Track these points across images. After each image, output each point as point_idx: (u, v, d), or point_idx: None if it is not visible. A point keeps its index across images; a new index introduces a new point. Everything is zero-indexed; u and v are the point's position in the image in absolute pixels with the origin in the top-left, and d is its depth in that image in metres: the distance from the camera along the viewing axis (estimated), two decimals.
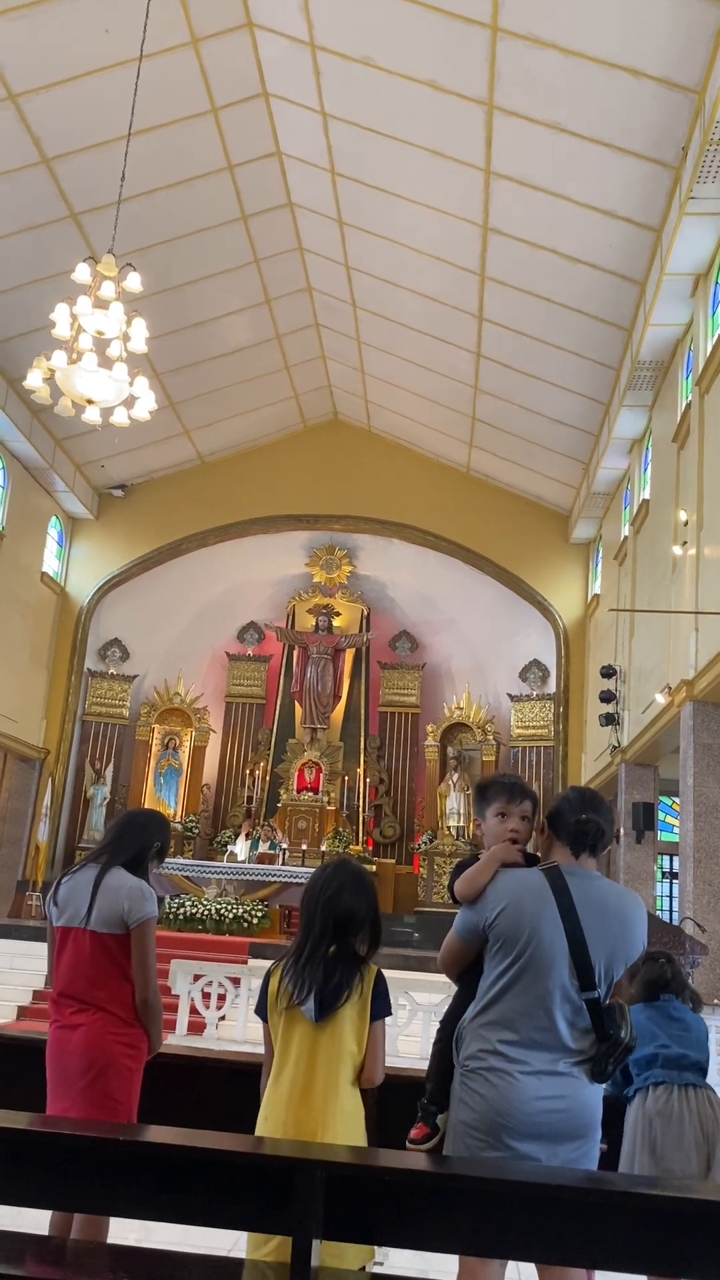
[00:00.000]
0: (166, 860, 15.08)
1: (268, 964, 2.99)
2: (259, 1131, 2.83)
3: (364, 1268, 2.80)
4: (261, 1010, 2.97)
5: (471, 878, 2.83)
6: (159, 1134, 2.60)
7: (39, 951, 12.09)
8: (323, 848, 16.83)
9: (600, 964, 2.70)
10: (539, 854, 2.97)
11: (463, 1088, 2.72)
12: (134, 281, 8.50)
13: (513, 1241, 2.38)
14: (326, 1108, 2.78)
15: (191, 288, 14.02)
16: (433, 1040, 3.01)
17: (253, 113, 11.76)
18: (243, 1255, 2.73)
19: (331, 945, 2.91)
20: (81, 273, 8.44)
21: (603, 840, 2.85)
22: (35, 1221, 3.37)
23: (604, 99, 9.44)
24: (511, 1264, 3.02)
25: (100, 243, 11.10)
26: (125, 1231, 3.57)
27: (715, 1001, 9.62)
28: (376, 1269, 3.03)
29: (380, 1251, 3.33)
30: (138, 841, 3.63)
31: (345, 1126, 2.78)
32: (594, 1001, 2.69)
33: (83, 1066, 3.37)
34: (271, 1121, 2.82)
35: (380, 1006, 2.91)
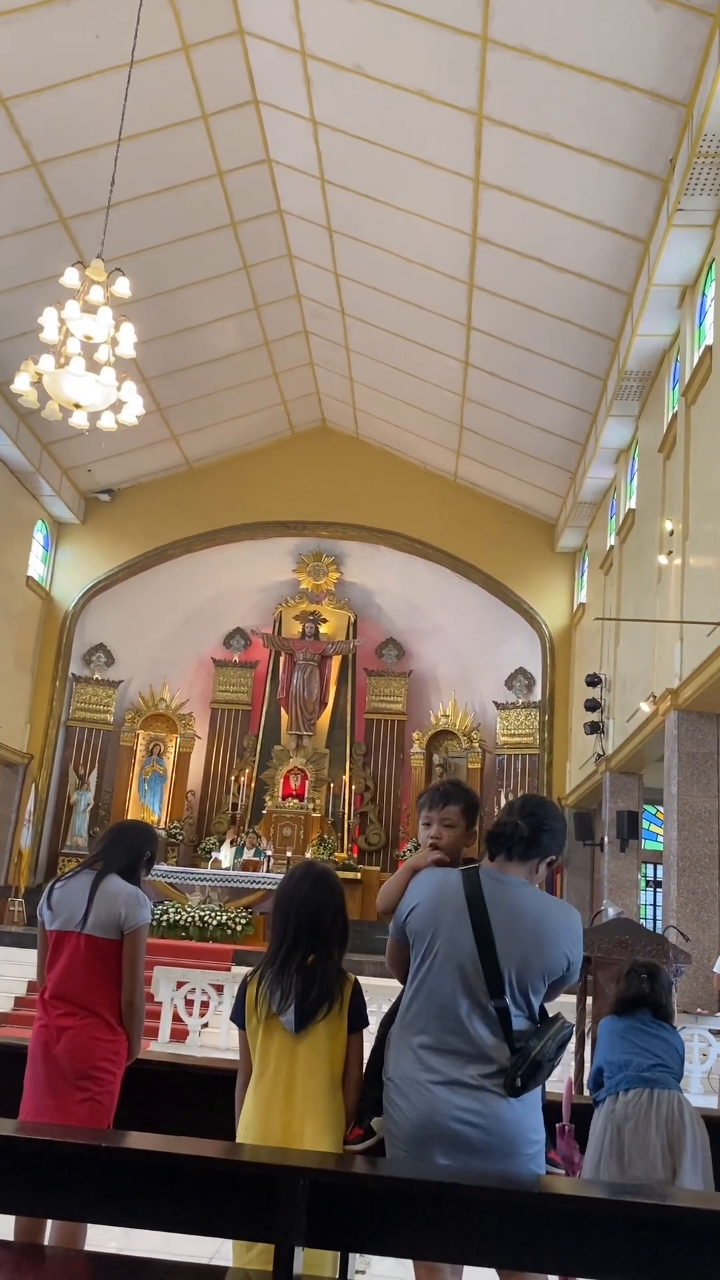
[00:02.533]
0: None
1: (247, 972, 2.98)
2: (239, 1140, 2.82)
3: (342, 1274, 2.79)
4: (239, 1018, 2.96)
5: (384, 889, 2.88)
6: (141, 1141, 2.59)
7: (21, 958, 12.03)
8: (308, 855, 16.79)
9: (509, 971, 2.63)
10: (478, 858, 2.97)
11: (386, 1098, 2.71)
12: (123, 286, 8.49)
13: (496, 1249, 2.37)
14: (306, 1115, 2.78)
15: (180, 293, 14.02)
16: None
17: (243, 120, 11.79)
18: (224, 1263, 2.72)
19: (309, 953, 2.90)
20: (70, 277, 8.43)
21: (530, 848, 2.75)
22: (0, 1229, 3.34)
23: (593, 111, 9.50)
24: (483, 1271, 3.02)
25: (89, 247, 11.09)
26: (105, 1239, 3.55)
27: (699, 1010, 9.64)
28: (359, 1277, 3.03)
29: (363, 1259, 3.32)
30: (131, 851, 3.73)
31: (325, 1134, 2.77)
32: (503, 1010, 2.62)
33: (67, 1068, 3.41)
34: (253, 1130, 2.81)
35: (357, 1019, 2.91)
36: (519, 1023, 2.63)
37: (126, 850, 3.72)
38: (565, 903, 2.90)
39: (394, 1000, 2.92)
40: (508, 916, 2.67)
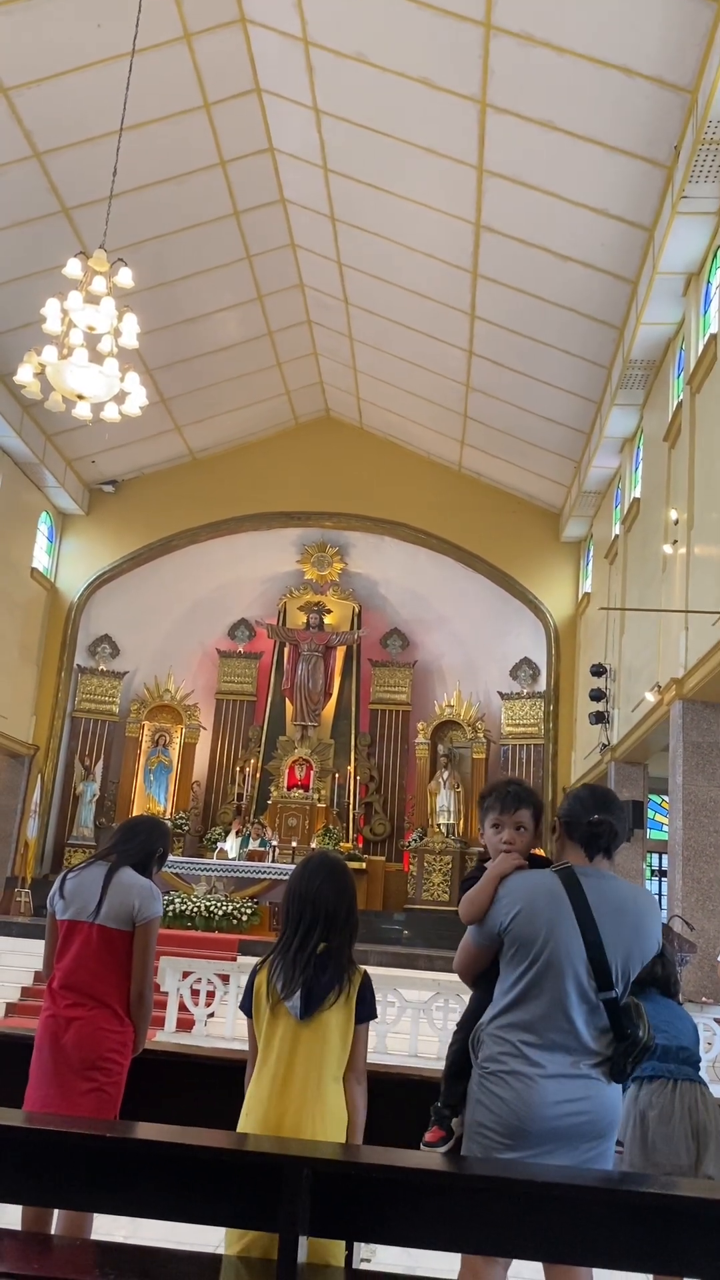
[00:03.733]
0: None
1: (257, 961, 2.99)
2: (241, 1127, 2.83)
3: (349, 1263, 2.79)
4: (247, 1006, 2.96)
5: (472, 899, 2.82)
6: (147, 1131, 2.59)
7: (28, 948, 12.07)
8: (313, 845, 16.82)
9: (617, 964, 2.68)
10: (550, 855, 2.95)
11: (481, 1089, 2.70)
12: (125, 277, 8.47)
13: (500, 1239, 2.37)
14: (306, 1104, 2.78)
15: (183, 283, 13.98)
16: (449, 1043, 2.99)
17: (245, 108, 11.74)
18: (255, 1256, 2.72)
19: (321, 942, 2.90)
20: (73, 268, 8.41)
21: (616, 841, 2.83)
22: (7, 1218, 3.36)
23: (597, 97, 9.44)
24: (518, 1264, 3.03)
25: (92, 237, 11.06)
26: (112, 1228, 3.56)
27: (704, 999, 9.65)
28: (364, 1265, 3.04)
29: (368, 1248, 3.33)
30: (144, 846, 3.76)
31: (326, 1124, 2.78)
32: (612, 1001, 2.67)
33: (76, 1059, 3.42)
34: (252, 1117, 2.82)
35: (365, 1010, 2.91)
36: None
37: (140, 845, 3.75)
38: (645, 889, 2.95)
39: (469, 1003, 2.93)
40: (610, 910, 2.72)
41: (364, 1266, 3.14)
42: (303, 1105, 2.77)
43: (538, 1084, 2.61)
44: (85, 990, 3.49)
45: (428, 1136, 2.82)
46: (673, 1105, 3.50)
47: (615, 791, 3.07)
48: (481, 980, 2.85)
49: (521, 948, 2.70)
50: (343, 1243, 2.68)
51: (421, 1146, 2.81)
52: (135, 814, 16.22)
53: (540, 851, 3.00)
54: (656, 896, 17.82)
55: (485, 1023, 2.76)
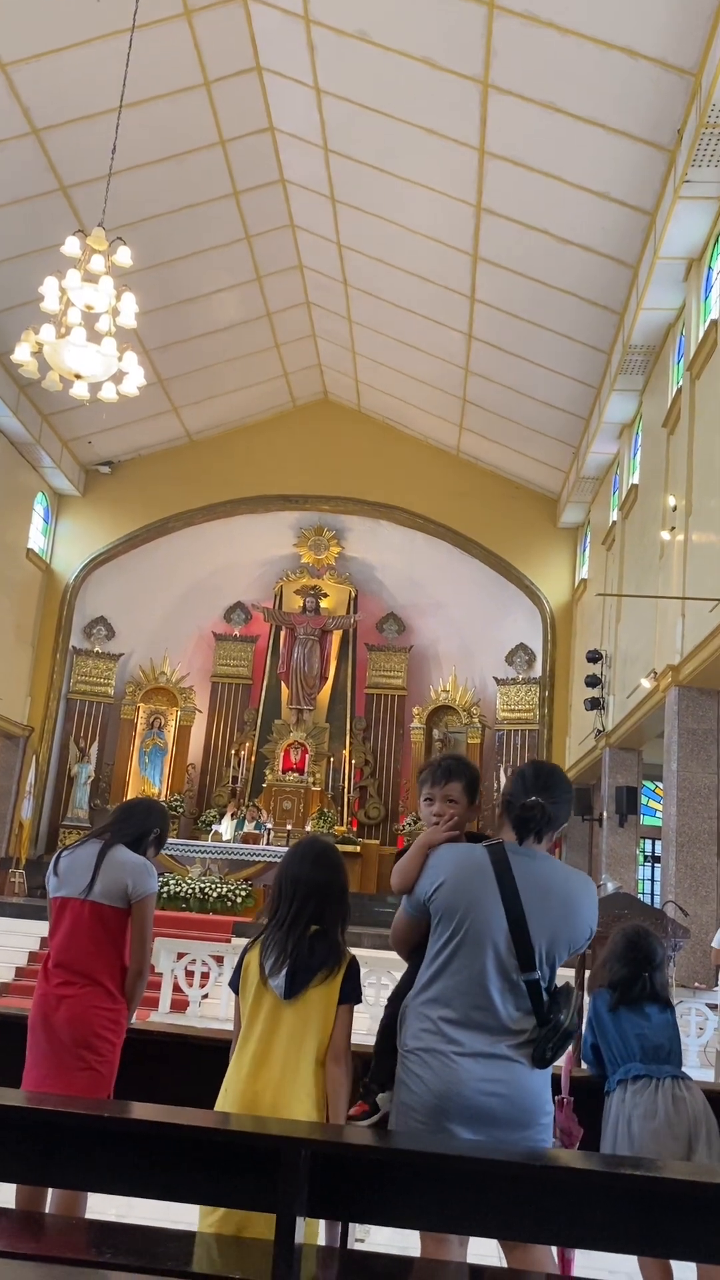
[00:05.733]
0: None
1: (248, 940, 3.00)
2: (219, 1105, 2.84)
3: (333, 1237, 2.81)
4: (235, 984, 2.98)
5: (400, 868, 2.83)
6: (143, 1111, 2.60)
7: (23, 928, 12.11)
8: (307, 828, 16.86)
9: (541, 945, 2.64)
10: (489, 832, 2.95)
11: (403, 1069, 2.69)
12: (124, 256, 8.42)
13: (494, 1220, 2.39)
14: (285, 1084, 2.79)
15: (182, 263, 13.90)
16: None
17: (246, 87, 11.64)
18: (223, 1232, 2.73)
19: (310, 924, 2.92)
20: (71, 246, 8.35)
21: (551, 825, 2.77)
22: (2, 1197, 3.37)
23: (600, 79, 9.37)
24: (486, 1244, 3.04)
25: (90, 216, 10.98)
26: (106, 1207, 3.58)
27: (697, 985, 9.70)
28: (357, 1245, 3.05)
29: (362, 1229, 3.35)
30: (140, 825, 3.76)
31: (304, 1104, 2.79)
32: (534, 983, 2.63)
33: (68, 1037, 3.43)
34: (230, 1094, 2.83)
35: (349, 991, 2.91)
36: (544, 995, 2.66)
37: (136, 824, 3.75)
38: (582, 873, 2.92)
39: (401, 977, 2.92)
40: (537, 891, 2.67)
41: (358, 1245, 3.15)
42: (281, 1084, 2.79)
43: (456, 1062, 2.59)
44: (77, 968, 3.49)
45: (352, 1110, 2.83)
46: (655, 1103, 3.52)
47: (562, 770, 3.01)
48: (415, 955, 2.83)
49: (444, 919, 2.69)
50: (320, 1221, 2.69)
51: (345, 1120, 2.81)
52: (130, 796, 16.26)
53: (509, 836, 2.99)
54: (650, 882, 17.92)
55: (410, 998, 2.75)
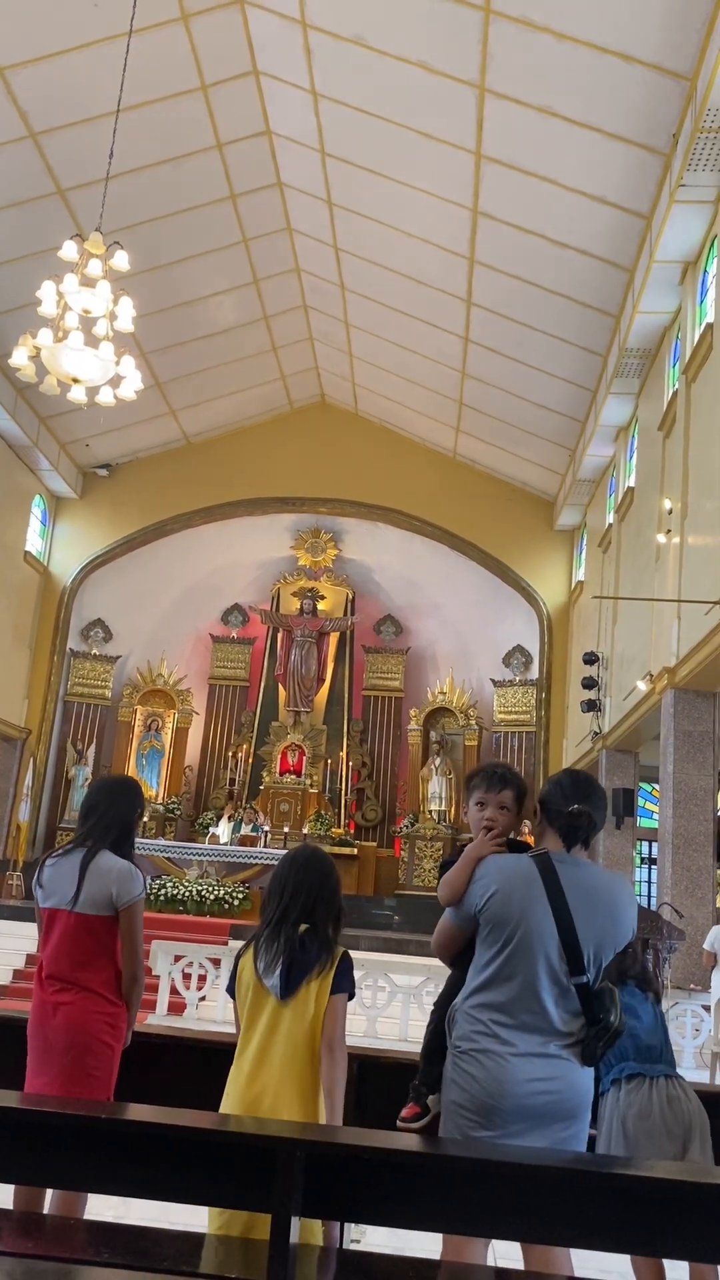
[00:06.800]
0: (148, 841, 14.96)
1: (241, 945, 3.02)
2: (222, 1107, 2.86)
3: (331, 1238, 2.83)
4: (232, 989, 3.00)
5: (450, 880, 2.86)
6: (140, 1112, 2.62)
7: (19, 931, 12.12)
8: (305, 830, 16.87)
9: (589, 949, 2.73)
10: (530, 840, 2.99)
11: (455, 1069, 2.75)
12: (121, 260, 8.44)
13: (489, 1220, 2.41)
14: (285, 1085, 2.81)
15: (179, 267, 13.92)
16: (426, 1023, 3.03)
17: (243, 91, 11.67)
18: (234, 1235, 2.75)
19: (300, 924, 2.95)
20: (69, 250, 8.37)
21: (594, 831, 2.87)
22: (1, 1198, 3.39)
23: (596, 84, 9.41)
24: (496, 1244, 3.06)
25: (88, 219, 11.00)
26: (104, 1208, 3.59)
27: (692, 986, 9.72)
28: (354, 1246, 3.07)
29: (358, 1229, 3.37)
30: (118, 818, 3.67)
31: (305, 1105, 2.81)
32: (583, 986, 2.71)
33: (65, 1043, 3.42)
34: (231, 1098, 2.86)
35: (341, 983, 2.94)
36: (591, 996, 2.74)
37: (114, 819, 3.64)
38: (622, 876, 2.98)
39: (445, 982, 2.96)
40: (584, 897, 2.75)
41: (354, 1247, 3.17)
42: (281, 1085, 2.81)
43: (509, 1062, 2.66)
44: (68, 979, 3.47)
45: (404, 1113, 2.88)
46: (650, 1102, 3.54)
47: (596, 778, 3.07)
48: (459, 960, 2.89)
49: (495, 929, 2.75)
50: (319, 1221, 2.71)
51: (398, 1123, 2.85)
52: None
53: (529, 839, 3.03)
54: (646, 884, 17.95)
55: (459, 1002, 2.80)
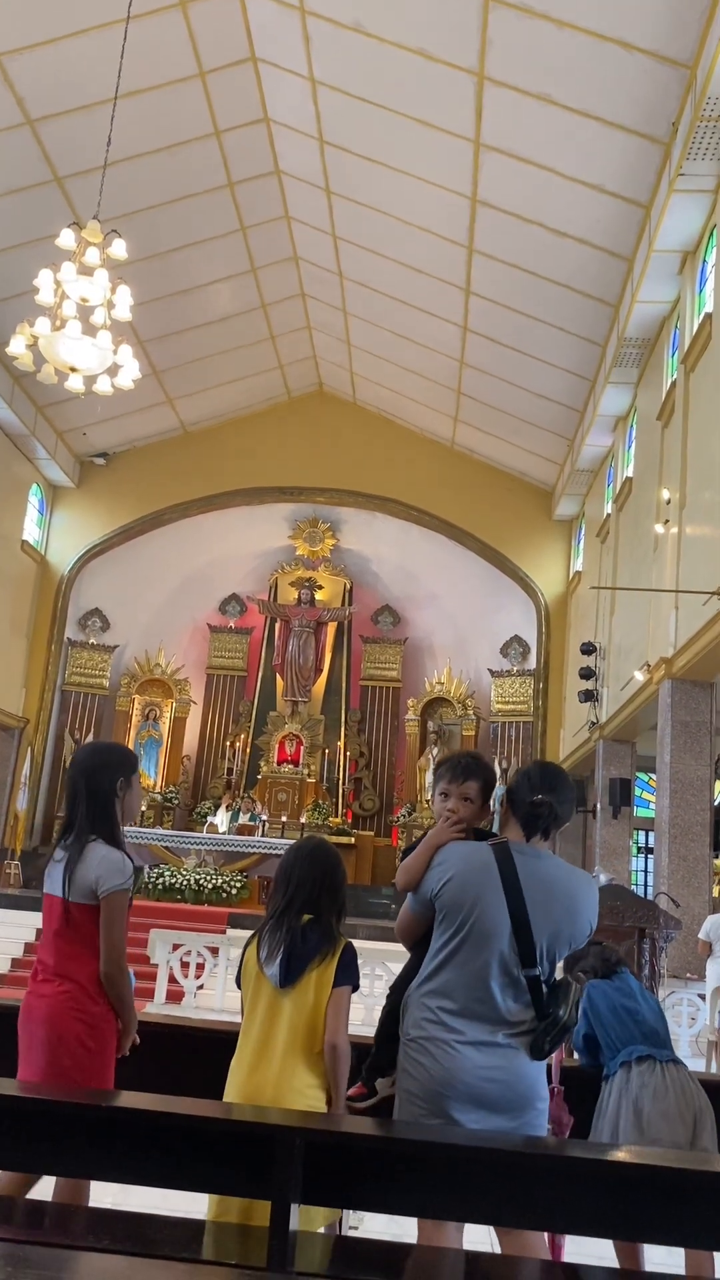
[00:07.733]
0: (146, 830, 14.88)
1: (246, 934, 3.04)
2: (225, 1096, 2.87)
3: (333, 1225, 2.85)
4: (239, 979, 3.02)
5: (408, 866, 2.88)
6: (138, 1100, 2.63)
7: (16, 920, 12.14)
8: (302, 820, 16.90)
9: (542, 942, 2.71)
10: (496, 830, 2.99)
11: (406, 1057, 2.76)
12: (119, 248, 8.40)
13: (486, 1207, 2.42)
14: (285, 1074, 2.82)
15: (177, 254, 13.88)
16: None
17: (241, 78, 11.61)
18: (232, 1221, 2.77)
19: (304, 914, 2.96)
20: (66, 238, 8.34)
21: (557, 823, 2.85)
22: None
23: (595, 72, 9.37)
24: (478, 1229, 3.08)
25: (85, 207, 10.95)
26: (103, 1195, 3.61)
27: (688, 975, 9.75)
28: (351, 1232, 3.09)
29: (355, 1215, 3.39)
30: (102, 800, 3.46)
31: (306, 1094, 2.82)
32: (534, 979, 2.70)
33: (41, 1036, 3.32)
34: (232, 1087, 2.87)
35: (344, 975, 2.94)
36: (544, 989, 2.73)
37: (98, 803, 3.44)
38: (584, 871, 2.97)
39: (403, 968, 2.97)
40: (541, 889, 2.74)
41: (351, 1233, 3.19)
42: (282, 1074, 2.82)
43: (458, 1051, 2.66)
44: (53, 969, 3.39)
45: (351, 1091, 2.90)
46: (665, 1084, 3.55)
47: (567, 771, 3.06)
48: (419, 946, 2.90)
49: (449, 915, 2.75)
50: (322, 1208, 2.73)
51: (345, 1103, 2.87)
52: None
53: (513, 834, 3.02)
54: (642, 873, 18.00)
55: (413, 989, 2.81)
